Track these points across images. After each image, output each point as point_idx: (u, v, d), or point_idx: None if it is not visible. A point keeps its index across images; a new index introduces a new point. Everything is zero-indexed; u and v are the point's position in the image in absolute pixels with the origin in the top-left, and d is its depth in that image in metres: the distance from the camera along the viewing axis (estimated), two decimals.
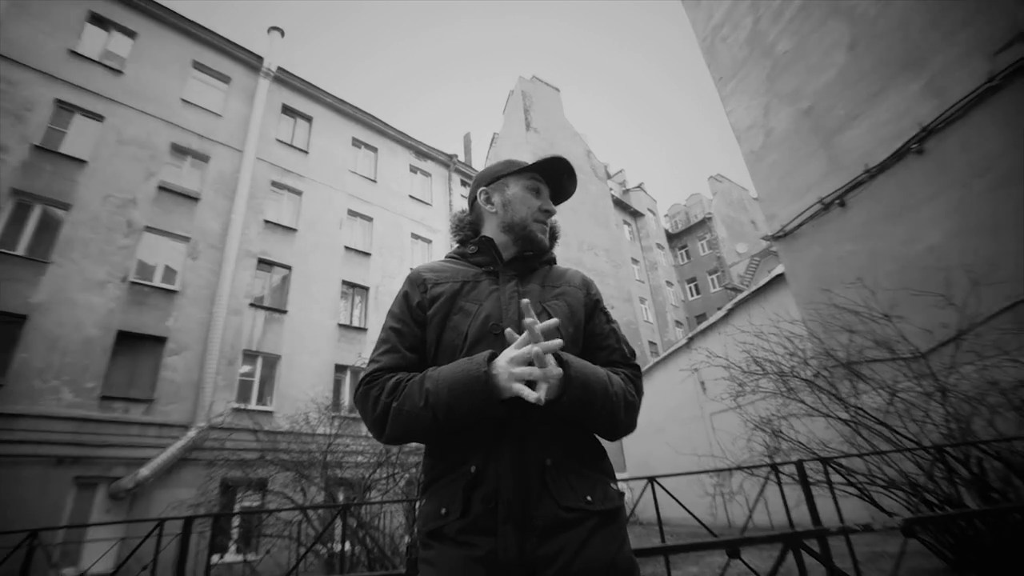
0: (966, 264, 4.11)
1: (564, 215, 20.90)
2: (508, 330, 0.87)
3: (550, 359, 0.84)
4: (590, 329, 1.05)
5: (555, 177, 1.12)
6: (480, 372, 0.83)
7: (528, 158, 18.90)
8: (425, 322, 1.00)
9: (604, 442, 1.00)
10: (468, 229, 1.16)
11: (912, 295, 4.27)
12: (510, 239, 1.08)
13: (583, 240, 21.28)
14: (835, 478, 3.68)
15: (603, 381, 0.90)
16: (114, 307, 8.69)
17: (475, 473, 0.85)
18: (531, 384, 0.86)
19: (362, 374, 0.97)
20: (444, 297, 1.00)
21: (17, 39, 9.18)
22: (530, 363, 0.85)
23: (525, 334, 0.85)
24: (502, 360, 0.85)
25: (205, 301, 9.80)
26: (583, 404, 0.86)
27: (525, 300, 0.88)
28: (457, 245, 1.16)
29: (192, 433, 8.55)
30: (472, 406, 0.83)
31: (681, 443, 10.62)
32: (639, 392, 1.00)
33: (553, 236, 1.19)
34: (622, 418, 0.93)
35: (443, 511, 0.85)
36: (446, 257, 1.13)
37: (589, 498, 0.86)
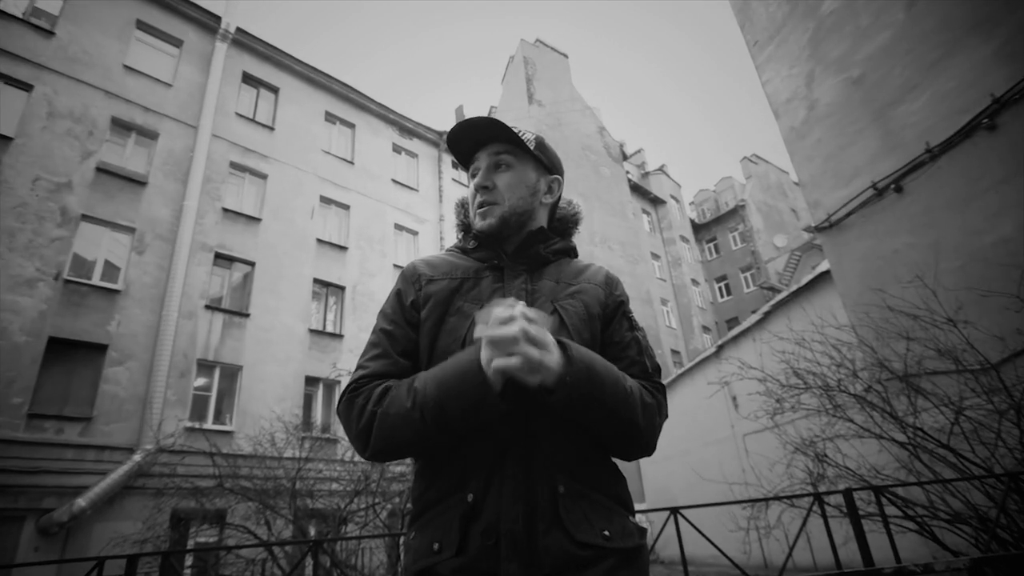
0: None
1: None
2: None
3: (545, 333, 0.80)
4: (608, 336, 1.03)
5: (475, 142, 1.09)
6: (473, 361, 0.81)
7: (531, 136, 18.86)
8: (419, 324, 1.00)
9: (620, 465, 0.99)
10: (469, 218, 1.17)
11: (981, 296, 4.25)
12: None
13: (595, 231, 21.30)
14: (890, 510, 3.67)
15: (614, 372, 0.88)
16: (45, 309, 8.67)
17: (473, 502, 0.84)
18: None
19: (347, 381, 0.98)
20: (440, 296, 1.01)
21: None
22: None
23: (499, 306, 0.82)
24: None
25: (153, 302, 9.77)
26: (589, 394, 0.83)
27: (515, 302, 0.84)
28: (460, 238, 1.17)
29: (138, 457, 8.53)
30: (465, 402, 0.81)
31: (709, 468, 10.63)
32: (661, 409, 0.99)
33: (573, 222, 1.20)
34: (640, 421, 0.90)
35: (436, 546, 0.85)
36: (446, 251, 1.14)
37: (607, 532, 0.85)
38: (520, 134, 1.07)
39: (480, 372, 0.80)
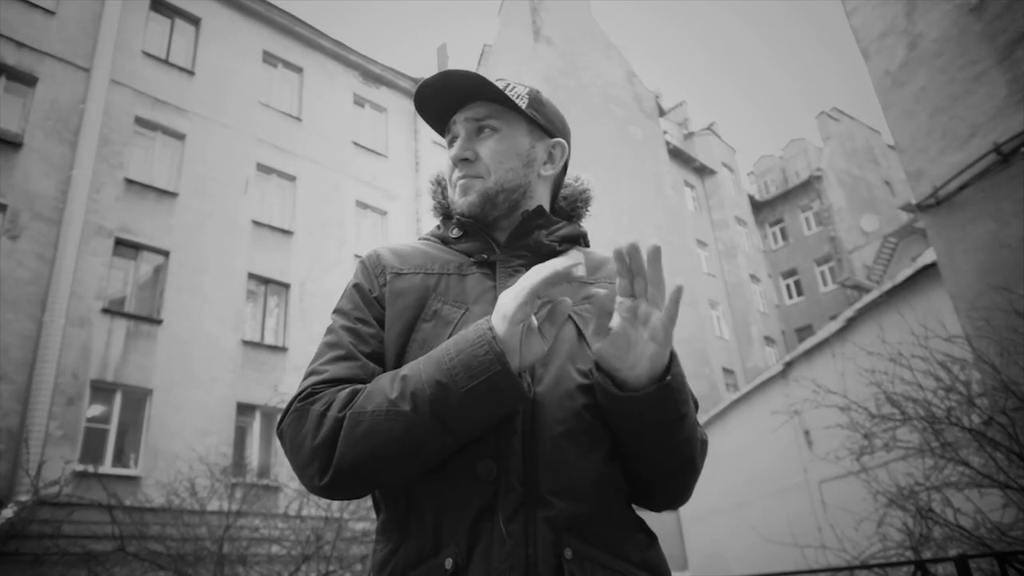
0: None
1: (593, 171, 20.85)
2: None
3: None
4: None
5: (450, 102, 1.13)
6: (484, 329, 0.86)
7: (537, 82, 18.87)
8: (385, 324, 1.04)
9: (650, 522, 1.01)
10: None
11: None
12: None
13: (620, 210, 21.26)
14: None
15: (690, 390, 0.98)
16: None
17: (453, 569, 0.85)
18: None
19: (297, 391, 0.97)
20: (410, 295, 1.03)
21: None
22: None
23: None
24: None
25: (31, 304, 9.75)
26: (678, 401, 0.91)
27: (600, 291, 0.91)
28: (438, 224, 1.21)
29: (9, 512, 8.50)
30: (480, 371, 0.84)
31: (773, 526, 10.64)
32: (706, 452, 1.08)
33: (583, 201, 1.25)
34: (698, 462, 0.99)
35: None
36: (421, 239, 1.19)
37: None
38: (508, 88, 1.09)
39: (493, 342, 0.84)
